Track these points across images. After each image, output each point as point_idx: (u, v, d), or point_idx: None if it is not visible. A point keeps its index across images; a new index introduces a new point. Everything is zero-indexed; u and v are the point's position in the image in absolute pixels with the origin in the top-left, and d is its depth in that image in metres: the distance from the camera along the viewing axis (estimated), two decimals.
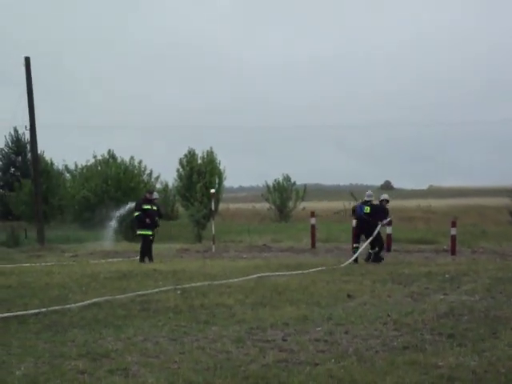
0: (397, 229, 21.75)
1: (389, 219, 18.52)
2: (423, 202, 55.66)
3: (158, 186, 37.85)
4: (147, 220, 18.19)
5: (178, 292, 11.31)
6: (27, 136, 34.25)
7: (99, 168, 33.24)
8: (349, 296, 10.79)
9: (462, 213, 39.23)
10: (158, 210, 19.15)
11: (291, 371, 6.16)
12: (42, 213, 27.53)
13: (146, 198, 18.75)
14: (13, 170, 49.50)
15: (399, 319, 8.62)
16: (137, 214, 18.43)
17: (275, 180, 42.89)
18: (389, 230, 20.16)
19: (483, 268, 15.12)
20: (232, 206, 51.39)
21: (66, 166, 39.23)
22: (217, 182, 33.32)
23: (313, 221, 23.46)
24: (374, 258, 17.37)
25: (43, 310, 9.49)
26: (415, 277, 13.51)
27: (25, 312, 9.38)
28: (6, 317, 9.06)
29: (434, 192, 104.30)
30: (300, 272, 14.55)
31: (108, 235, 24.55)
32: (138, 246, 19.07)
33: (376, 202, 18.13)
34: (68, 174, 39.08)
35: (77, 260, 19.28)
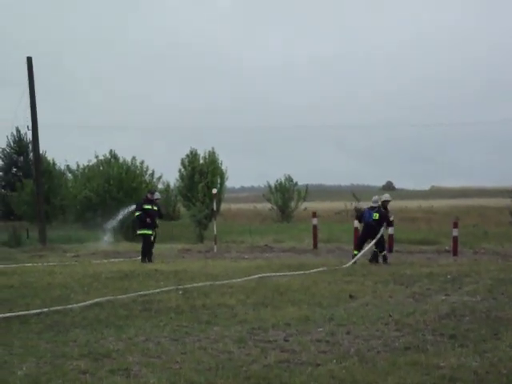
0: (399, 229, 21.73)
1: (391, 218, 18.58)
2: (424, 203, 55.67)
3: (160, 186, 37.87)
4: (148, 220, 18.23)
5: (180, 292, 11.31)
6: (29, 136, 34.37)
7: (101, 168, 33.24)
8: (350, 296, 10.78)
9: (463, 213, 39.18)
10: (158, 210, 19.20)
11: (293, 372, 6.16)
12: (43, 213, 27.55)
13: (147, 198, 18.80)
14: (15, 170, 49.54)
15: (401, 320, 8.62)
16: (138, 213, 18.46)
17: (277, 180, 42.89)
18: (391, 230, 20.13)
19: (485, 269, 15.11)
20: (234, 206, 51.39)
21: (67, 166, 39.31)
22: (219, 182, 33.29)
23: (314, 221, 23.45)
24: (383, 259, 17.41)
25: (45, 310, 9.51)
26: (417, 277, 13.50)
27: (27, 312, 9.40)
28: (7, 317, 9.08)
29: (435, 192, 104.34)
30: (302, 272, 14.55)
31: (109, 236, 24.56)
32: (139, 246, 19.09)
33: (376, 205, 18.05)
34: (70, 174, 39.12)
35: (79, 260, 19.30)
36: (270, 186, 43.19)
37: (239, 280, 13.02)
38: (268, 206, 43.33)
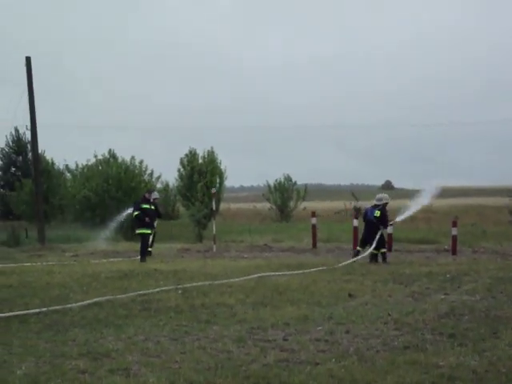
0: (398, 229, 21.73)
1: (391, 223, 18.77)
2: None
3: (159, 185, 37.82)
4: (147, 219, 18.30)
5: (179, 292, 11.31)
6: (28, 136, 34.35)
7: (100, 168, 33.21)
8: (350, 295, 10.79)
9: (462, 212, 39.18)
10: (156, 209, 19.22)
11: (292, 371, 6.17)
12: (42, 212, 27.53)
13: (145, 198, 18.83)
14: (13, 169, 49.46)
15: (400, 319, 8.63)
16: (136, 213, 18.49)
17: (276, 180, 42.87)
18: (390, 229, 20.14)
19: (484, 268, 15.12)
20: (233, 205, 51.35)
21: (66, 166, 39.22)
22: (218, 181, 33.28)
23: (314, 221, 23.45)
24: (383, 258, 17.43)
25: (44, 309, 9.51)
26: (416, 276, 13.50)
27: (26, 311, 9.40)
28: (7, 316, 9.08)
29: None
30: (301, 272, 14.55)
31: (108, 236, 24.55)
32: (138, 246, 19.07)
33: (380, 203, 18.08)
34: (69, 174, 39.03)
35: (78, 260, 19.28)
36: (269, 186, 43.20)
37: (238, 279, 13.02)
38: (267, 205, 43.33)
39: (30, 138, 29.86)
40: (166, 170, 57.87)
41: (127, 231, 26.97)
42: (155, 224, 19.75)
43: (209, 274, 14.23)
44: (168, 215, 38.85)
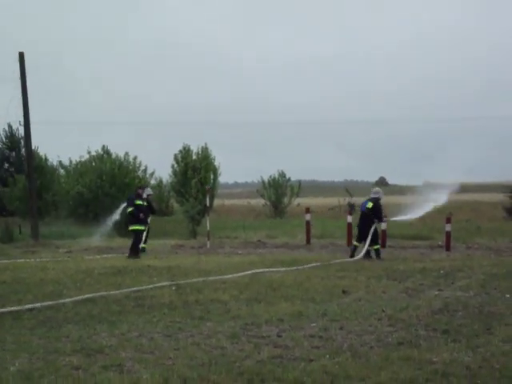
0: (392, 224, 21.76)
1: (385, 219, 18.74)
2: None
3: (153, 181, 37.79)
4: (141, 215, 18.28)
5: (173, 288, 11.29)
6: (21, 132, 34.20)
7: (93, 164, 33.18)
8: (344, 292, 10.80)
9: (457, 209, 39.24)
10: (149, 205, 19.18)
11: (286, 367, 6.16)
12: (36, 208, 27.42)
13: (138, 194, 18.79)
14: (7, 165, 49.25)
15: (394, 315, 8.64)
16: (130, 209, 18.45)
17: (270, 176, 42.93)
18: (384, 225, 20.16)
19: (478, 264, 15.16)
20: (227, 201, 51.37)
21: (60, 162, 39.13)
22: (212, 177, 33.30)
23: (308, 217, 23.45)
24: (376, 254, 17.44)
25: (38, 305, 9.47)
26: (410, 273, 13.53)
27: (19, 308, 9.36)
28: (0, 312, 9.04)
29: (428, 187, 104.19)
30: (295, 268, 14.54)
31: (101, 232, 24.52)
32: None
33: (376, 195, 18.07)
34: (62, 170, 38.96)
35: (71, 256, 19.24)
36: (263, 182, 43.24)
37: (232, 276, 13.00)
38: (262, 201, 43.36)
39: (23, 134, 29.75)
40: (160, 167, 57.84)
41: (121, 227, 26.94)
42: (149, 220, 19.72)
43: (203, 270, 14.21)
44: (162, 211, 38.81)
